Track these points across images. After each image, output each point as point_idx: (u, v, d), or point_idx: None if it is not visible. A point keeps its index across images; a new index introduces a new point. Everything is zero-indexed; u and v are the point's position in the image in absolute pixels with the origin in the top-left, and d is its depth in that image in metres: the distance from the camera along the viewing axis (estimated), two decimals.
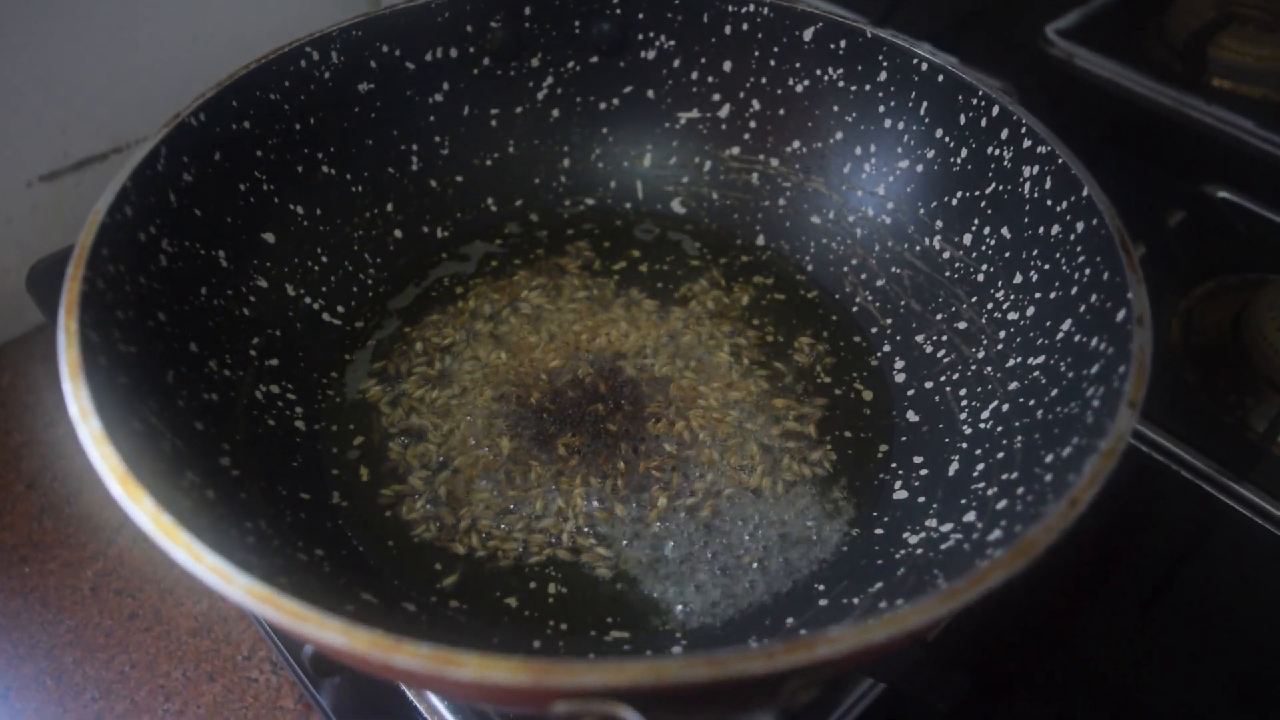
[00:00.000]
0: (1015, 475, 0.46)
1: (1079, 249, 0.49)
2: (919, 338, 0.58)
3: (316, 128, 0.58)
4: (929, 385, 0.56)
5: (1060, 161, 0.50)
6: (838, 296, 0.63)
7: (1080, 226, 0.49)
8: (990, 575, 0.34)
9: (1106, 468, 0.37)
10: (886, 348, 0.59)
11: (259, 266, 0.56)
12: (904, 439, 0.55)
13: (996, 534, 0.42)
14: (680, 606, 0.48)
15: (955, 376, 0.54)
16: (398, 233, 0.63)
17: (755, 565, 0.49)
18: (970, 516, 0.46)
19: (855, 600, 0.45)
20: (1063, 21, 0.95)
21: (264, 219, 0.56)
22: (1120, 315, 0.44)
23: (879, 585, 0.45)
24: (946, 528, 0.47)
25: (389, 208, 0.63)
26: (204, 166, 0.52)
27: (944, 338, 0.56)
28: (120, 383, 0.42)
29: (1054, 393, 0.47)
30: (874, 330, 0.60)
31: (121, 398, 0.41)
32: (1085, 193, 0.49)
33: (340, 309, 0.60)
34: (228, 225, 0.54)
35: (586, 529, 0.51)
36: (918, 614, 0.32)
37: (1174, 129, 0.86)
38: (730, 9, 0.62)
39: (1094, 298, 0.47)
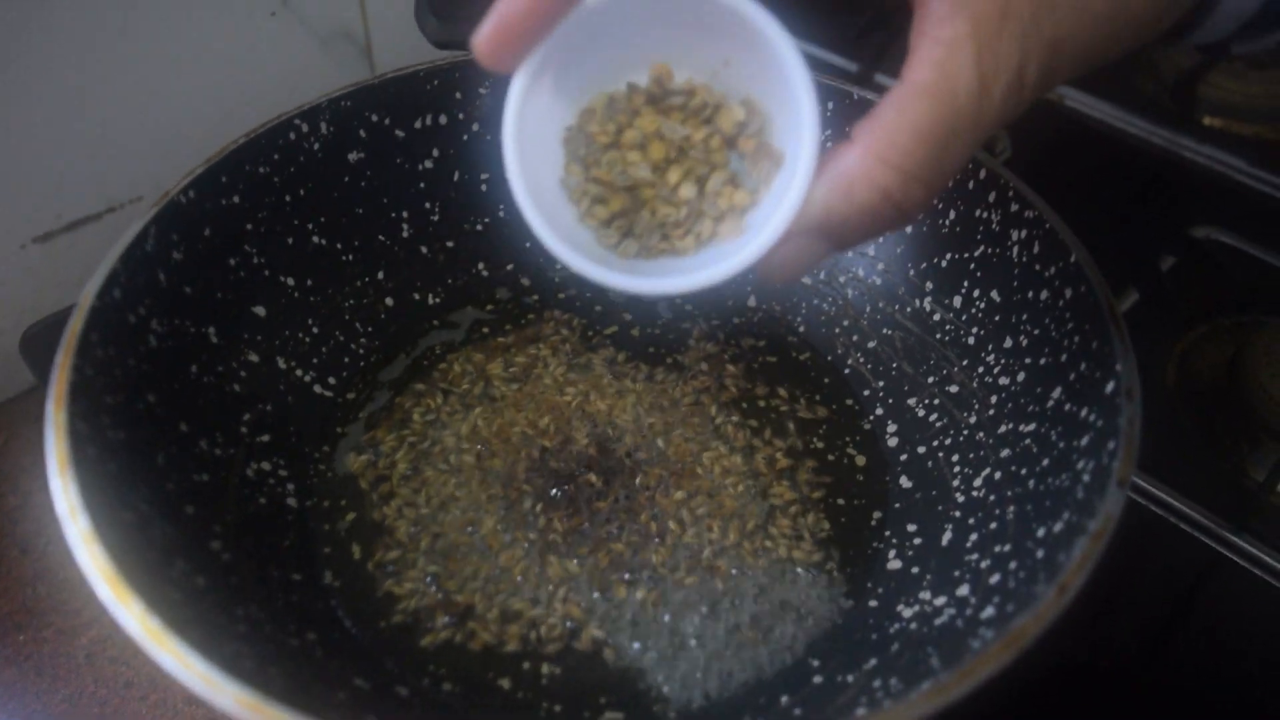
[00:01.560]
0: (1008, 548, 0.46)
1: (1067, 315, 0.49)
2: (911, 401, 0.58)
3: (306, 198, 0.59)
4: (922, 450, 0.56)
5: (1048, 226, 0.51)
6: (829, 358, 0.63)
7: (1069, 293, 0.49)
8: (980, 668, 0.34)
9: (1096, 550, 0.37)
10: (879, 411, 0.59)
11: (250, 341, 0.56)
12: (897, 506, 0.54)
13: (989, 611, 0.42)
14: (674, 684, 0.47)
15: (948, 442, 0.54)
16: (389, 300, 0.63)
17: (749, 640, 0.49)
18: (964, 590, 0.46)
19: (850, 678, 0.45)
20: None
21: (255, 292, 0.57)
22: (1109, 387, 0.44)
23: (873, 662, 0.45)
24: (940, 601, 0.46)
25: (380, 275, 0.63)
26: (194, 243, 0.52)
27: (936, 401, 0.56)
28: (109, 471, 0.42)
29: (1045, 462, 0.47)
30: (866, 393, 0.60)
31: (110, 487, 0.41)
32: (1073, 258, 0.49)
33: (331, 380, 0.59)
34: (218, 301, 0.54)
35: (579, 608, 0.50)
36: (906, 710, 0.32)
37: (1166, 168, 0.86)
38: None
39: (1083, 366, 0.47)
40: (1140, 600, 0.59)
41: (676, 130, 0.39)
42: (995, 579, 0.44)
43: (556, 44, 0.36)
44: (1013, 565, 0.44)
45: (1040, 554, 0.42)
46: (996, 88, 0.33)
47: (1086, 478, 0.42)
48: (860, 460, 0.57)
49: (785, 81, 0.36)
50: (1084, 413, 0.45)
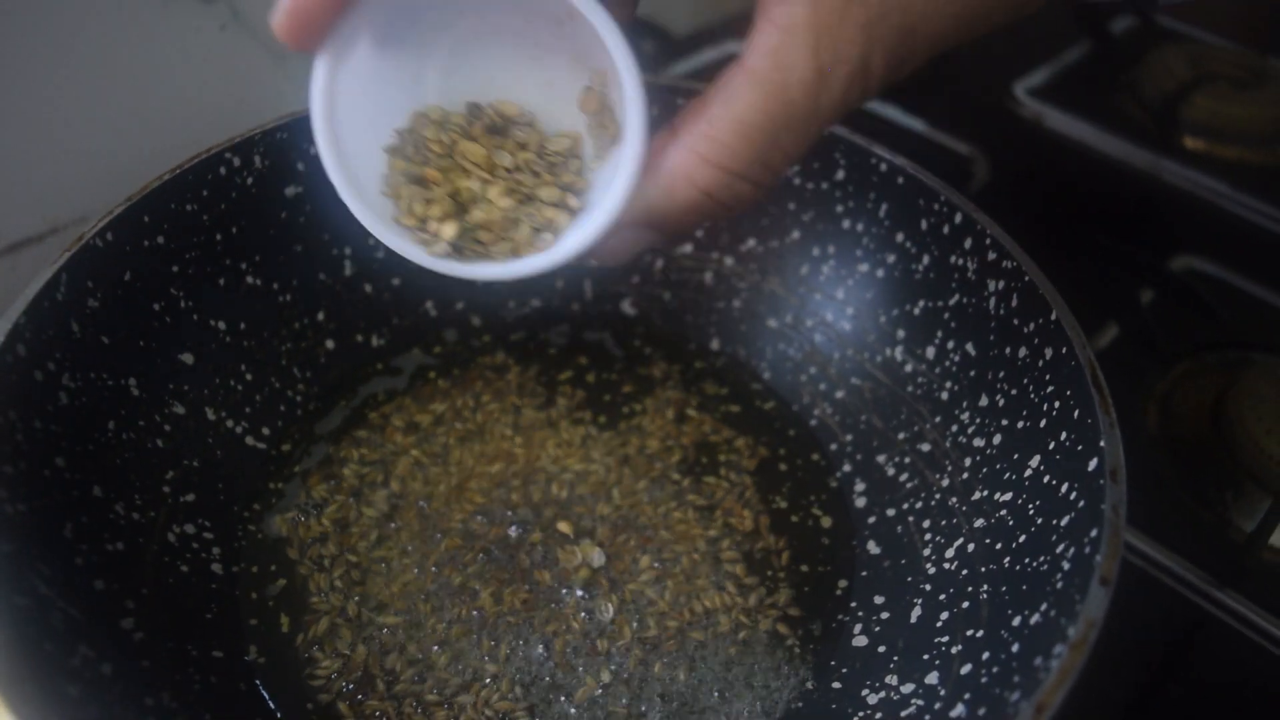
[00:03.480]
0: (980, 634, 0.43)
1: (1047, 378, 0.46)
2: (880, 458, 0.55)
3: (239, 237, 0.55)
4: (891, 513, 0.52)
5: (1027, 279, 0.47)
6: (795, 408, 0.59)
7: (1049, 353, 0.46)
8: None
9: (1076, 663, 0.34)
10: (847, 467, 0.56)
11: (176, 391, 0.52)
12: (864, 574, 0.51)
13: (959, 710, 0.39)
14: None
15: (919, 505, 0.51)
16: (329, 343, 0.59)
17: None
18: (933, 678, 0.43)
19: None
20: (1031, 80, 0.93)
21: (182, 339, 0.53)
22: (1091, 464, 0.41)
23: None
24: (908, 689, 0.43)
25: (320, 316, 0.59)
26: (112, 289, 0.48)
27: (907, 459, 0.53)
28: (3, 552, 0.38)
29: (1022, 539, 0.44)
30: (833, 447, 0.57)
31: (4, 571, 0.38)
32: (1054, 316, 0.46)
33: (265, 431, 0.56)
34: (140, 350, 0.50)
35: (523, 692, 0.47)
36: None
37: (1148, 193, 0.84)
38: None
39: (1064, 436, 0.44)
40: (1121, 658, 0.56)
41: (505, 159, 0.39)
42: (966, 669, 0.41)
43: (364, 18, 0.36)
44: (985, 655, 0.41)
45: (1015, 648, 0.39)
46: (836, 79, 0.31)
47: (1066, 565, 0.39)
48: (826, 521, 0.54)
49: (614, 68, 0.34)
50: (1064, 489, 0.42)
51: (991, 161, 0.83)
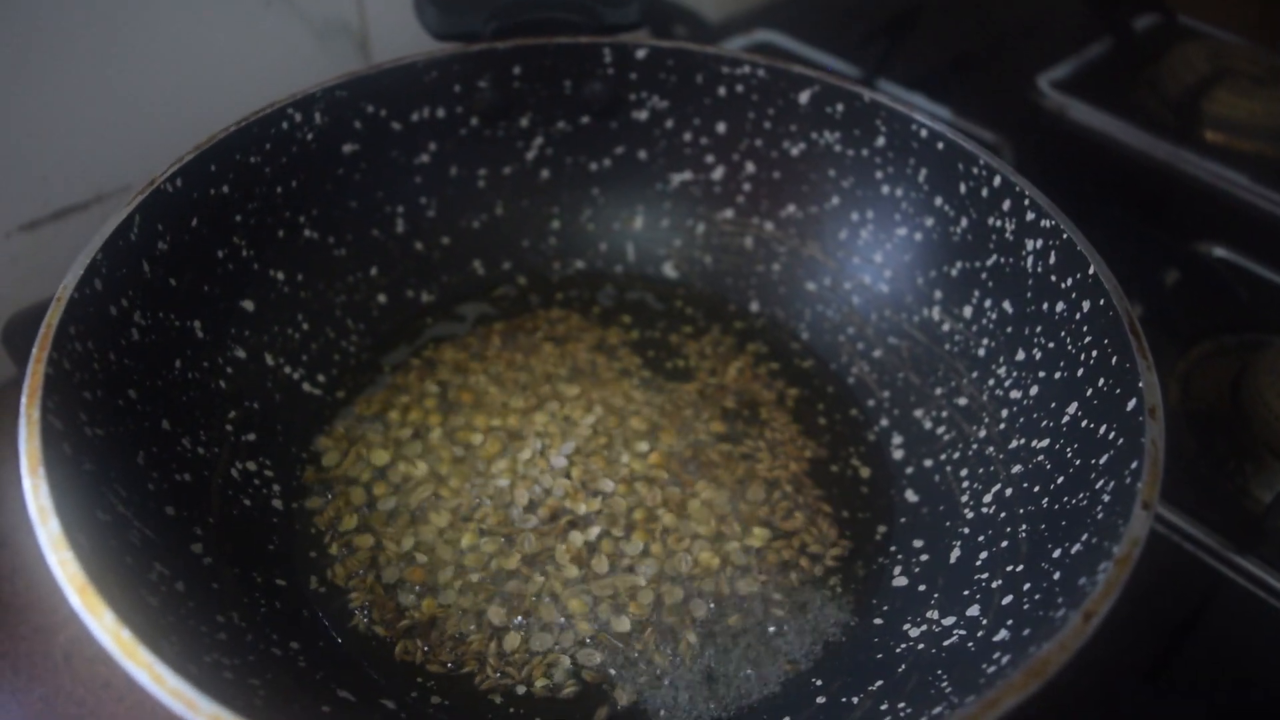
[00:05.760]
0: (1020, 568, 0.44)
1: (1085, 329, 0.47)
2: (918, 413, 0.56)
3: (298, 190, 0.57)
4: (928, 464, 0.54)
5: (1065, 236, 0.49)
6: (833, 367, 0.61)
7: (1086, 305, 0.47)
8: (1001, 701, 0.32)
9: (1122, 576, 0.36)
10: (884, 422, 0.58)
11: (237, 336, 0.54)
12: (903, 520, 0.53)
13: (1003, 634, 0.41)
14: (672, 706, 0.46)
15: (956, 455, 0.53)
16: (381, 297, 0.61)
17: (749, 658, 0.47)
18: (974, 610, 0.44)
19: (855, 699, 0.43)
20: (1055, 72, 0.95)
21: (243, 286, 0.55)
22: (1131, 404, 0.42)
23: (879, 683, 0.44)
24: (949, 621, 0.45)
25: (373, 271, 0.61)
26: (180, 234, 0.50)
27: (944, 414, 0.55)
28: (86, 470, 0.40)
29: (1060, 480, 0.45)
30: (871, 403, 0.59)
31: (86, 487, 0.40)
32: (1091, 270, 0.47)
33: (321, 378, 0.58)
34: (205, 294, 0.52)
35: (561, 627, 0.48)
36: None
37: (1169, 183, 0.85)
38: (724, 70, 0.61)
39: (1101, 382, 0.45)
40: (1144, 618, 0.58)
41: None
42: (1008, 600, 0.43)
43: None
44: (1026, 586, 0.42)
45: (1057, 575, 0.41)
46: None
47: (1106, 497, 0.41)
48: (865, 472, 0.56)
49: None
50: (1103, 430, 0.44)
51: (1016, 152, 0.85)
